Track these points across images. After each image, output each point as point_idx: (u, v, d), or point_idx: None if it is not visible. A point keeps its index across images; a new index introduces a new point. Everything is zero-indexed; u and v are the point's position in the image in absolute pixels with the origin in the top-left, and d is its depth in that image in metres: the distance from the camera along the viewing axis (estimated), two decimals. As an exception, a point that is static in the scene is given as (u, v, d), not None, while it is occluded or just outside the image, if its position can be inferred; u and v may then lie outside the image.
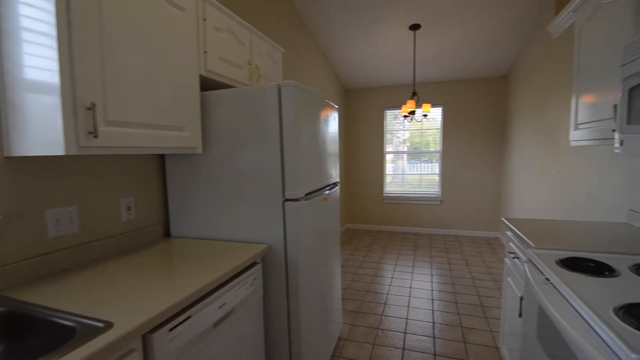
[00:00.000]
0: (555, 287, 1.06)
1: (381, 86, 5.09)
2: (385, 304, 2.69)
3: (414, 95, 3.56)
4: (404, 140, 5.20)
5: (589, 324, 0.83)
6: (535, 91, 3.33)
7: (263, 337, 1.44)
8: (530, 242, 1.38)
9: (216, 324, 1.10)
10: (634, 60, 1.10)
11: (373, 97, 5.15)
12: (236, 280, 1.21)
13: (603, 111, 1.41)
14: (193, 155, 1.57)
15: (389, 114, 5.18)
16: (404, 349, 2.07)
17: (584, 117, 1.59)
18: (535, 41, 3.33)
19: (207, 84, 1.61)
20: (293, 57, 3.20)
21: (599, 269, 1.09)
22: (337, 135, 2.14)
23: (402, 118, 5.06)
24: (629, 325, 0.75)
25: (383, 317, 2.48)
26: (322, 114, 1.79)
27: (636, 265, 1.11)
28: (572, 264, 1.14)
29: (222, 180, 1.53)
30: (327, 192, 1.86)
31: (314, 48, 3.77)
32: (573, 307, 0.92)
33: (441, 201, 4.96)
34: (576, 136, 1.67)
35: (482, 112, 4.68)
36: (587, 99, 1.57)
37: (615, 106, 1.27)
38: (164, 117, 1.24)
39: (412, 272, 3.39)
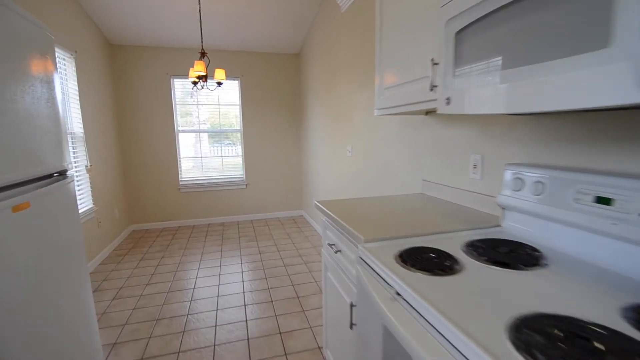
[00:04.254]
0: (409, 304, 0.73)
1: (165, 47, 4.03)
2: (184, 331, 2.00)
3: (203, 56, 2.85)
4: (204, 120, 4.39)
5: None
6: (326, 70, 3.36)
7: None
8: (359, 235, 1.06)
9: None
10: (458, -3, 0.88)
11: (154, 60, 4.03)
12: None
13: (415, 70, 1.24)
14: None
15: (179, 84, 4.22)
16: (210, 399, 1.49)
17: (392, 81, 1.43)
18: (324, 18, 3.32)
19: None
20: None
21: (442, 260, 0.86)
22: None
23: (193, 87, 4.25)
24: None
25: (180, 354, 1.79)
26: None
27: (465, 245, 0.96)
28: (414, 259, 0.87)
29: None
30: (34, 190, 0.96)
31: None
32: (449, 341, 0.59)
33: (247, 184, 4.58)
34: (382, 104, 1.52)
35: (279, 89, 4.54)
36: (394, 59, 1.41)
37: (432, 60, 1.09)
38: None
39: (219, 274, 2.81)
